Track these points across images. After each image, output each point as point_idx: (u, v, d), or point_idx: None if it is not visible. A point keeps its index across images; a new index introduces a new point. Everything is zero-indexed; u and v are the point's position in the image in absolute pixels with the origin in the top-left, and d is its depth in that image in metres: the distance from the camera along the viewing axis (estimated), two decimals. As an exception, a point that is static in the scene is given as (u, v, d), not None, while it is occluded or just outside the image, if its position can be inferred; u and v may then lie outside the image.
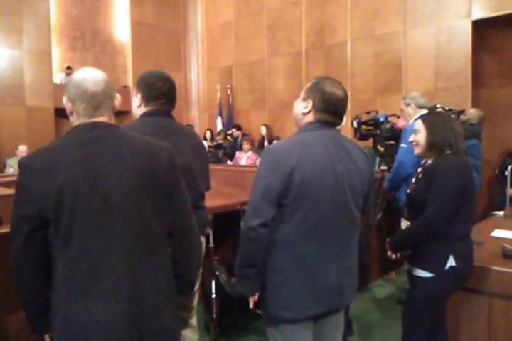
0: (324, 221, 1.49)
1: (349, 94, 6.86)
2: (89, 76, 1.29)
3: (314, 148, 1.51)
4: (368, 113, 4.18)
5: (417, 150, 1.98)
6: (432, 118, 1.96)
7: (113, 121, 1.33)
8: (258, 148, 7.49)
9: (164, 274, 1.32)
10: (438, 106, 3.55)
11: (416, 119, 3.28)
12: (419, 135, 1.95)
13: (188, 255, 1.43)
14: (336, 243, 1.53)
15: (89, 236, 1.20)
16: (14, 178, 2.70)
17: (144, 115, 1.94)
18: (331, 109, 1.56)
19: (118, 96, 1.37)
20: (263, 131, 7.66)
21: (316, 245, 1.50)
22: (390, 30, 6.40)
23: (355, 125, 3.77)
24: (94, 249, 1.20)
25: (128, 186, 1.22)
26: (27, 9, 7.33)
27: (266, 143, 7.45)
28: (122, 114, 8.02)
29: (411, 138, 2.00)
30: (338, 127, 1.79)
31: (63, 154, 1.22)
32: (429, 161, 1.94)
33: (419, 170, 2.02)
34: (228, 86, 8.65)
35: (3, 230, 1.64)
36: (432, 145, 1.90)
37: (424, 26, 6.05)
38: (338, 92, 1.57)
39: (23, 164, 1.22)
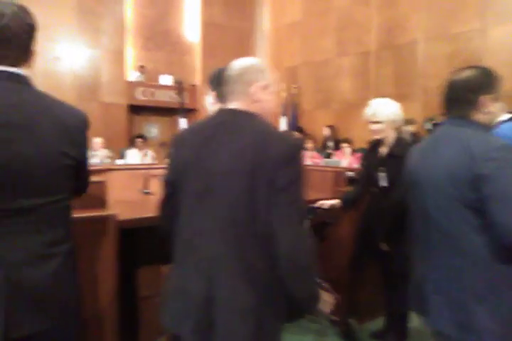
0: None
1: (420, 96, 6.58)
2: (235, 62, 1.36)
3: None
4: (443, 115, 4.01)
5: None
6: None
7: (251, 107, 1.30)
8: (321, 148, 7.41)
9: (251, 276, 1.21)
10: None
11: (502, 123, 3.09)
12: None
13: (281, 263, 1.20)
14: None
15: (189, 211, 1.30)
16: (98, 168, 2.91)
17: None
18: None
19: (259, 83, 1.30)
20: (326, 131, 7.57)
21: None
22: (468, 29, 6.08)
23: (430, 127, 3.64)
24: (192, 224, 1.29)
25: (227, 174, 1.22)
26: (105, 10, 7.76)
27: (331, 144, 7.35)
28: (189, 112, 8.25)
29: None
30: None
31: (192, 134, 1.35)
32: None
33: None
34: (294, 86, 8.64)
35: (92, 214, 1.75)
36: None
37: (506, 24, 5.68)
38: None
39: (172, 138, 1.43)
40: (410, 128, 4.53)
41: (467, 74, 1.43)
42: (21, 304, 1.15)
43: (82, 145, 1.31)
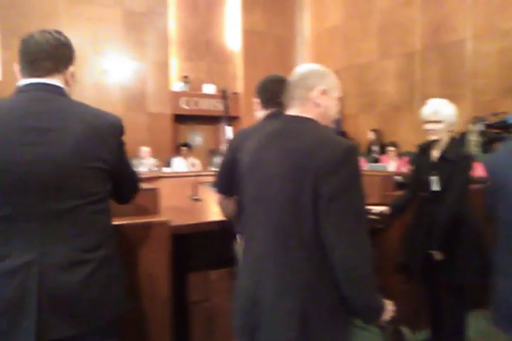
0: None
1: (470, 95, 6.32)
2: (297, 68, 1.37)
3: None
4: (495, 115, 3.85)
5: None
6: None
7: (311, 113, 1.28)
8: (366, 153, 7.29)
9: (295, 280, 1.19)
10: None
11: None
12: None
13: (342, 276, 1.16)
14: None
15: (247, 215, 1.36)
16: (149, 175, 3.01)
17: (267, 117, 1.99)
18: None
19: (319, 88, 1.29)
20: (371, 135, 7.44)
21: None
22: (519, 25, 5.81)
23: (480, 128, 3.50)
24: (248, 227, 1.35)
25: (273, 178, 1.23)
26: (149, 24, 8.04)
27: (376, 148, 7.21)
28: (232, 119, 8.33)
29: None
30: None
31: (249, 139, 1.40)
32: None
33: None
34: (335, 90, 8.54)
35: (146, 220, 1.80)
36: None
37: (562, 18, 5.39)
38: None
39: (228, 144, 1.55)
40: (478, 128, 4.19)
41: None
42: (53, 309, 1.17)
43: (115, 149, 1.33)
